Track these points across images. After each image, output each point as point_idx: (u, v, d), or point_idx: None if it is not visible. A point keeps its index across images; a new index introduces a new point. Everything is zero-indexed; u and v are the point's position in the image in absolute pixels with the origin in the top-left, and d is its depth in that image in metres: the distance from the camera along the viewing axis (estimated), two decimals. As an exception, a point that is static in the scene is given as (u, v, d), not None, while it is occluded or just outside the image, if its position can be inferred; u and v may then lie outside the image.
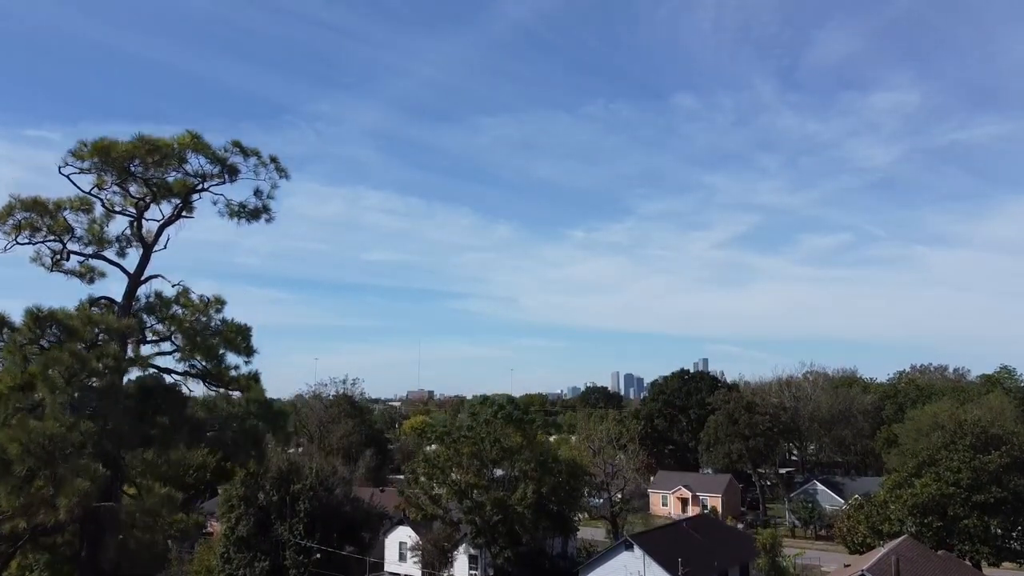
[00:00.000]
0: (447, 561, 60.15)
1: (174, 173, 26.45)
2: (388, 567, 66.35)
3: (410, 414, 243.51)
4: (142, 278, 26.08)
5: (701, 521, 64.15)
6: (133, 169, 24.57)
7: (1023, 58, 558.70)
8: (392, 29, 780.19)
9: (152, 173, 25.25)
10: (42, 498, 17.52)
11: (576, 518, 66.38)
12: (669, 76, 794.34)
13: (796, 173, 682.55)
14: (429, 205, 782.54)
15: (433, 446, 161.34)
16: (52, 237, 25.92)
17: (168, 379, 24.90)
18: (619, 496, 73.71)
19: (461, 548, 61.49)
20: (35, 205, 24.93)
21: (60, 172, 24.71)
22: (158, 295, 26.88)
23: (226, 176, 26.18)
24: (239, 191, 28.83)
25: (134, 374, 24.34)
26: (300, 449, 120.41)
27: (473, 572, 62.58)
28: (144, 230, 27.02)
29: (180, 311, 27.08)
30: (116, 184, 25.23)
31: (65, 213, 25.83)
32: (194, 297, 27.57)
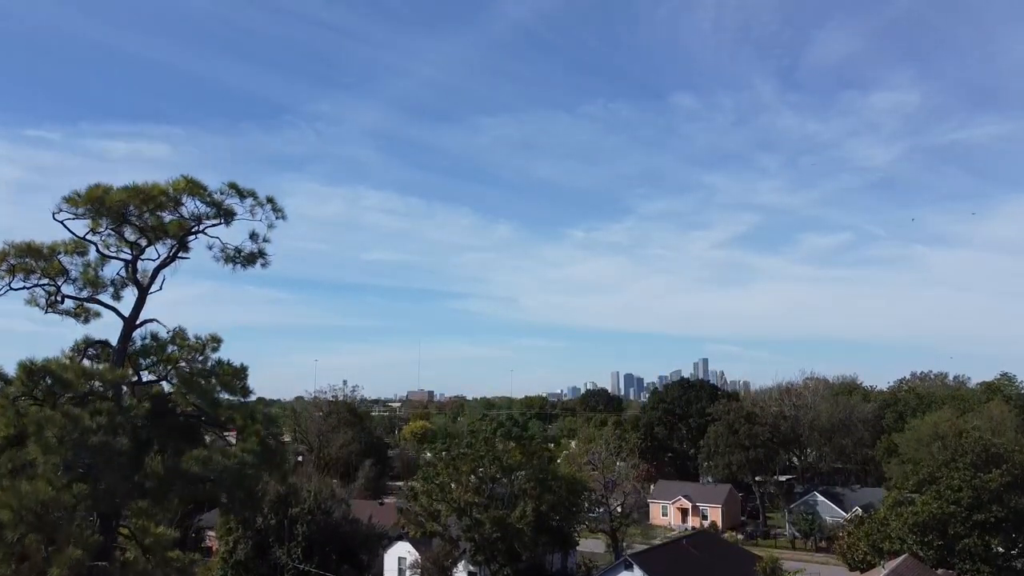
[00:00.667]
0: (446, 578, 60.02)
1: (169, 215, 26.29)
2: (387, 583, 66.23)
3: (410, 417, 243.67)
4: (137, 322, 25.89)
5: (701, 538, 64.03)
6: (128, 215, 24.38)
7: (1023, 58, 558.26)
8: (392, 29, 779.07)
9: (147, 217, 25.05)
10: (34, 565, 17.35)
11: (576, 531, 66.30)
12: (669, 76, 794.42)
13: (796, 173, 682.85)
14: (429, 205, 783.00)
15: (430, 454, 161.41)
16: (46, 280, 25.80)
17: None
18: (619, 509, 73.61)
19: (460, 565, 61.36)
20: (29, 250, 24.75)
21: (54, 218, 24.50)
22: (154, 336, 26.75)
23: (222, 219, 25.97)
24: (235, 231, 28.57)
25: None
26: (300, 458, 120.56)
27: (473, 589, 62.46)
28: (140, 271, 26.84)
29: (175, 350, 27.05)
30: (111, 229, 25.03)
31: (60, 256, 25.68)
32: (190, 336, 27.53)
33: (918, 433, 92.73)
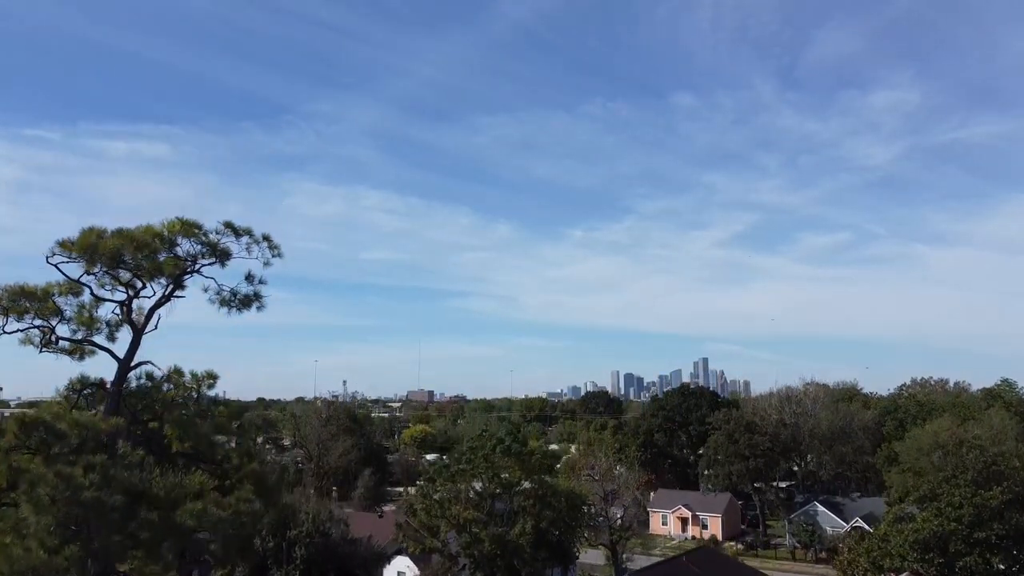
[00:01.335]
0: (446, 594, 59.81)
1: (164, 254, 26.08)
2: (387, 597, 66.03)
3: (410, 419, 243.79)
4: (132, 363, 25.69)
5: (702, 555, 63.76)
6: (122, 259, 24.19)
7: (1023, 57, 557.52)
8: (392, 29, 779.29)
9: (142, 260, 24.84)
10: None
11: (576, 546, 66.09)
12: (668, 75, 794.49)
13: (795, 172, 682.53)
14: (428, 205, 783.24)
15: (432, 456, 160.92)
16: (41, 321, 25.59)
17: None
18: (619, 521, 73.44)
19: (460, 580, 61.15)
20: (23, 293, 24.54)
21: (47, 261, 24.30)
22: (149, 376, 26.59)
23: (217, 259, 25.77)
24: (231, 270, 28.30)
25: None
26: (300, 463, 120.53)
27: (472, 605, 62.20)
28: (135, 311, 26.63)
29: (171, 389, 26.89)
30: (105, 272, 24.82)
31: (54, 297, 25.48)
32: (186, 374, 27.34)
33: (918, 442, 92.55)
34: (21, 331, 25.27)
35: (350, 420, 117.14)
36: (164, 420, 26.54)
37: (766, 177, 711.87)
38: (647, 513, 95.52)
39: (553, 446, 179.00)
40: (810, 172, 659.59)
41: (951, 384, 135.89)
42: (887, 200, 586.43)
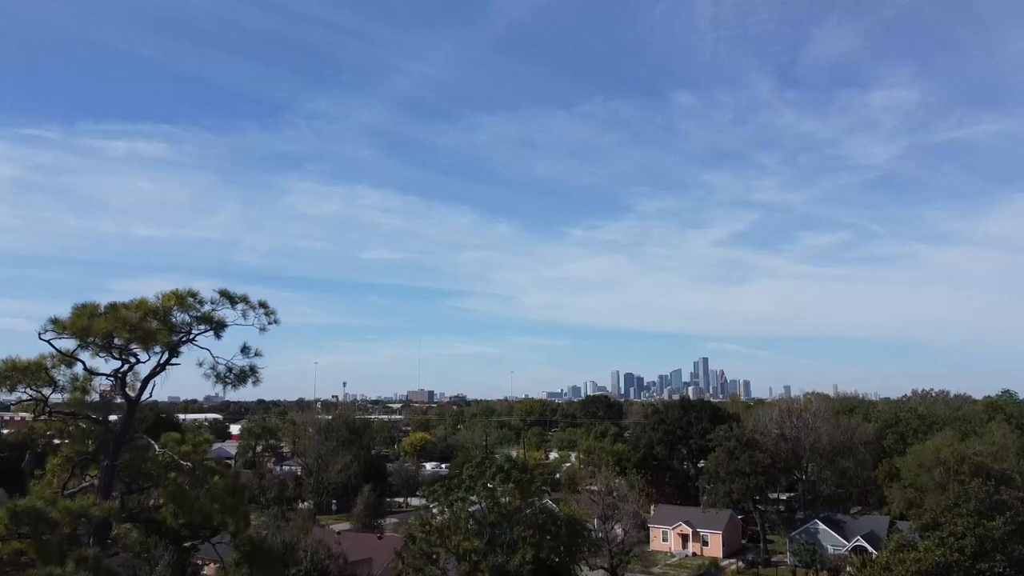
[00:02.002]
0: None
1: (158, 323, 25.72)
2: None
3: (410, 422, 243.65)
4: (126, 437, 25.35)
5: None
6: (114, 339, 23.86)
7: (1022, 56, 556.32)
8: (392, 28, 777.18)
9: (137, 333, 24.49)
10: None
11: (576, 571, 65.76)
12: (667, 74, 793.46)
13: (795, 170, 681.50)
14: (428, 203, 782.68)
15: (431, 465, 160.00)
16: (32, 391, 25.29)
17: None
18: (620, 543, 73.12)
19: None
20: (15, 368, 24.20)
21: (40, 337, 23.96)
22: (143, 448, 26.29)
23: (213, 330, 25.44)
24: (228, 336, 27.91)
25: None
26: (299, 471, 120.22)
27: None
28: (129, 380, 26.29)
29: (166, 453, 26.57)
30: (99, 347, 24.46)
31: (47, 369, 25.16)
32: (184, 441, 27.06)
33: (920, 457, 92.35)
34: (12, 405, 25.03)
35: (349, 432, 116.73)
36: (159, 486, 26.30)
37: (765, 175, 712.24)
38: (647, 529, 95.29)
39: (553, 453, 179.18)
40: (809, 171, 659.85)
41: (952, 395, 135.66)
42: (886, 199, 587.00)
